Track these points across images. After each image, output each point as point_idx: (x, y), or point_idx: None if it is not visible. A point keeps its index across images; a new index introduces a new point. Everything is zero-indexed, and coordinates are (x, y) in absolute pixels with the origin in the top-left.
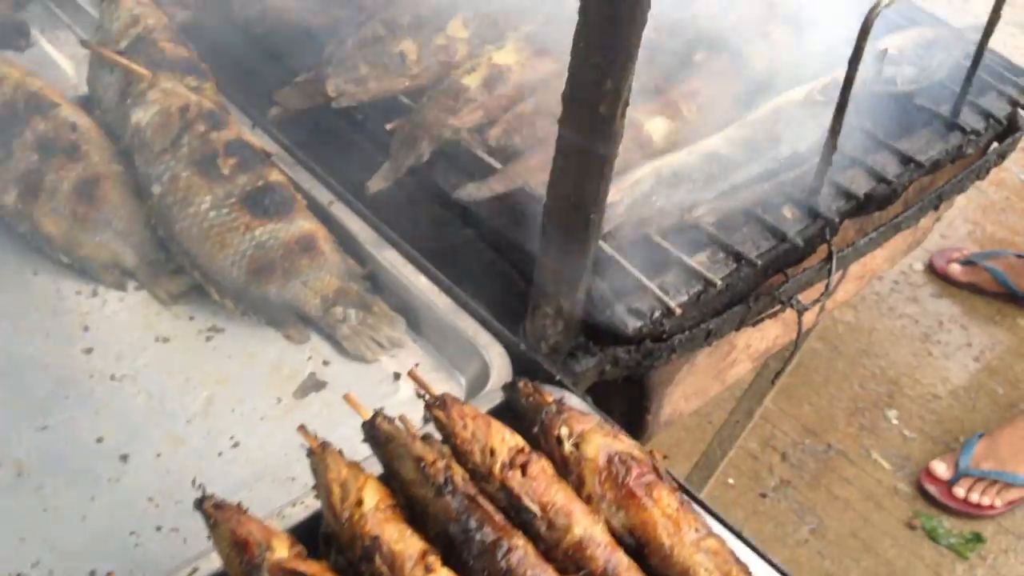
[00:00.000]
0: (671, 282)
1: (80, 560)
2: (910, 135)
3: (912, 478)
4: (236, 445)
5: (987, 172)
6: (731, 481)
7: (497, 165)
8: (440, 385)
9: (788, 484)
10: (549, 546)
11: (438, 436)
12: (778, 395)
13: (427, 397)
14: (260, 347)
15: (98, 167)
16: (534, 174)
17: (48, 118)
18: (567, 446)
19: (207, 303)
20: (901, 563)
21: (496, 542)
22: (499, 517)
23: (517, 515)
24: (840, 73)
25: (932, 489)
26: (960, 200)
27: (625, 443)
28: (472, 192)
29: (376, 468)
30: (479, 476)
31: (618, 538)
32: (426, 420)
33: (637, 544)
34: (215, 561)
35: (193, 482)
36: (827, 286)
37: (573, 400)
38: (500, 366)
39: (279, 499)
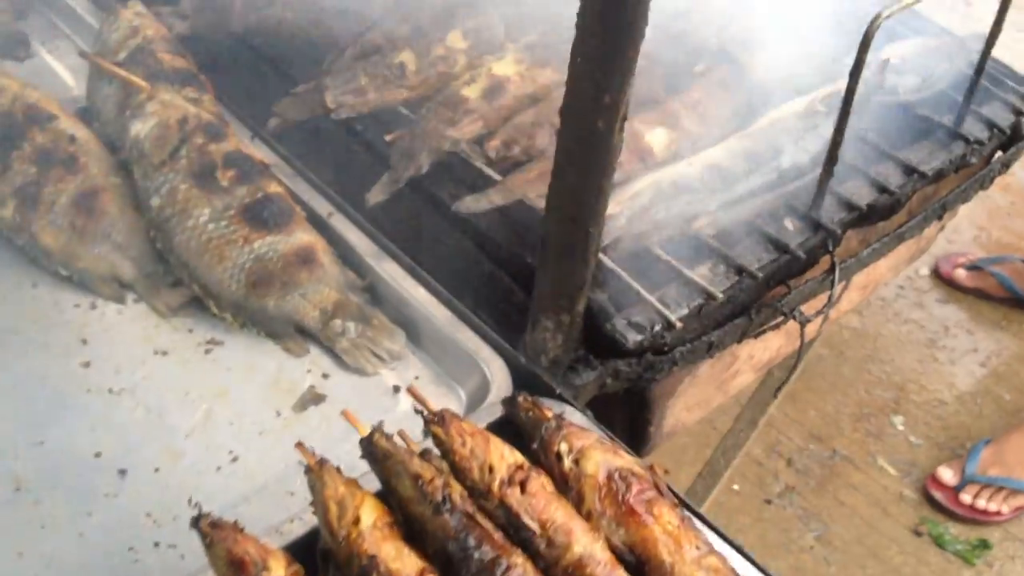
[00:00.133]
0: (672, 295)
1: None
2: (913, 145)
3: (918, 484)
4: (235, 460)
5: (991, 181)
6: (736, 487)
7: (497, 177)
8: (440, 398)
9: (793, 490)
10: (548, 564)
11: (438, 451)
12: (784, 401)
13: (425, 413)
14: (259, 360)
15: (97, 179)
16: (533, 186)
17: (47, 130)
18: (567, 462)
19: (206, 316)
20: (907, 570)
21: (495, 560)
22: (498, 535)
23: (516, 533)
24: (841, 83)
25: (938, 495)
26: (965, 205)
27: (625, 459)
28: (471, 204)
29: (376, 484)
30: (478, 493)
31: (618, 556)
32: (426, 434)
33: (637, 562)
34: None
35: (189, 500)
36: (830, 297)
37: (573, 415)
38: (500, 379)
39: (278, 514)
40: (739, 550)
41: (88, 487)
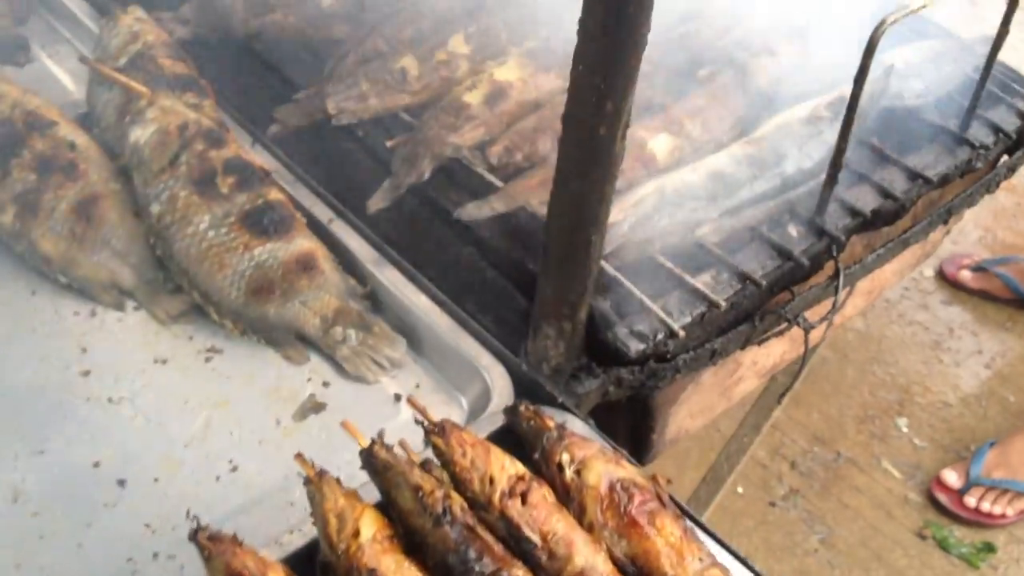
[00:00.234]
0: (675, 303)
1: None
2: (918, 150)
3: (923, 487)
4: (234, 469)
5: (997, 186)
6: (740, 490)
7: (498, 183)
8: (441, 407)
9: (797, 493)
10: None
11: (439, 461)
12: (787, 403)
13: (426, 424)
14: (259, 368)
15: (96, 186)
16: (535, 193)
17: (46, 136)
18: (568, 473)
19: (206, 323)
20: (912, 573)
21: (496, 573)
22: (499, 547)
23: (517, 545)
24: (846, 89)
25: (943, 498)
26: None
27: (628, 469)
28: (473, 211)
29: (376, 494)
30: (478, 505)
31: (620, 567)
32: (427, 444)
33: (640, 574)
34: None
35: (187, 513)
36: (834, 303)
37: (575, 424)
38: (502, 387)
39: (277, 524)
40: (743, 561)
41: (87, 497)
